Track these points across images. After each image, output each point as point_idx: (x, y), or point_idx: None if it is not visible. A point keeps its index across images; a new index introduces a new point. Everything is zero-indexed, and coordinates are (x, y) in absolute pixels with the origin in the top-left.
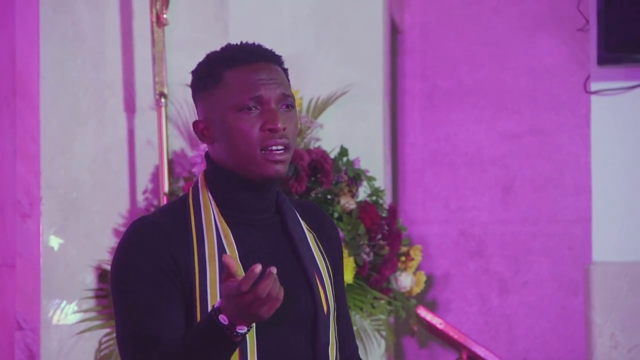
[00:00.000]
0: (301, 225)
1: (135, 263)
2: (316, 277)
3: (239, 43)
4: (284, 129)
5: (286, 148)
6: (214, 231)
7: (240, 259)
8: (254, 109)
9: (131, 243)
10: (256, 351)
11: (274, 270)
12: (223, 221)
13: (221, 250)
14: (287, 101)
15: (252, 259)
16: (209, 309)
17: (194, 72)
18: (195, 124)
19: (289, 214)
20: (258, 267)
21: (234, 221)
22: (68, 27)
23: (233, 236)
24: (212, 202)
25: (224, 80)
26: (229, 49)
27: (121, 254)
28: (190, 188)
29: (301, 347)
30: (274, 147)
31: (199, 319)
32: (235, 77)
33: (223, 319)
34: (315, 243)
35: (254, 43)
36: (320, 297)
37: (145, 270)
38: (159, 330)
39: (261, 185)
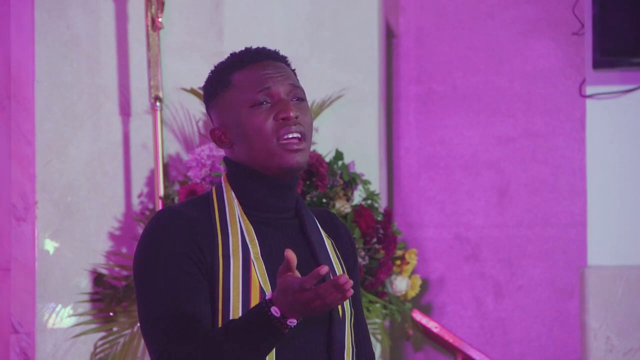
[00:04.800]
0: (319, 230)
1: (166, 249)
2: None
3: (243, 49)
4: (297, 117)
5: (302, 136)
6: (239, 227)
7: (262, 257)
8: (265, 103)
9: (160, 229)
10: (275, 354)
11: (342, 280)
12: (246, 219)
13: (244, 246)
14: (298, 93)
15: (275, 257)
16: (231, 303)
17: (204, 85)
18: (211, 132)
19: (308, 218)
20: (324, 269)
21: (255, 220)
22: (63, 31)
23: (255, 234)
24: (236, 200)
25: (233, 83)
26: (234, 55)
27: (149, 240)
28: (213, 187)
29: (317, 351)
30: (289, 135)
31: (220, 312)
32: (243, 77)
33: (275, 311)
34: (332, 248)
35: (258, 46)
36: None
37: (176, 256)
38: (196, 315)
39: (282, 181)
